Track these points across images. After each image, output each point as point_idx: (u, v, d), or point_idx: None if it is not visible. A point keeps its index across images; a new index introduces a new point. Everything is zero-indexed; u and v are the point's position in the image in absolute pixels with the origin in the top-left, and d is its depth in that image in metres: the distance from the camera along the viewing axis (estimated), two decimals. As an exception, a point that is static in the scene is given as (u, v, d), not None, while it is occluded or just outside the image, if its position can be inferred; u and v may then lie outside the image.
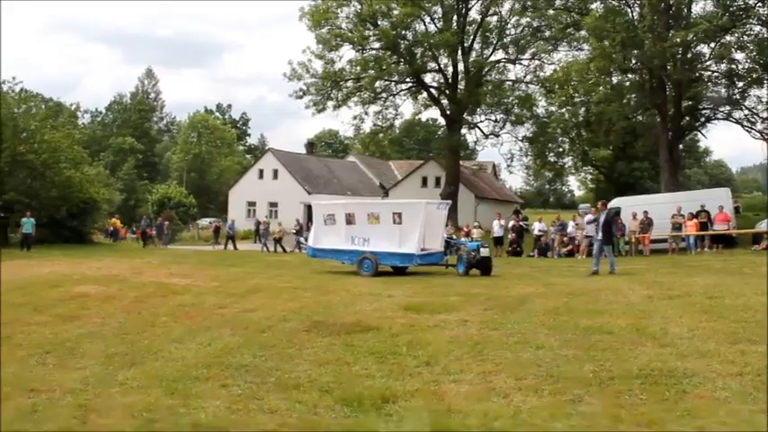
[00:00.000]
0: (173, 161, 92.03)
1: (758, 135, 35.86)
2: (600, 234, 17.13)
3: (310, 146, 67.71)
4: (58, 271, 18.17)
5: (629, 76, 37.31)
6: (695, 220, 24.46)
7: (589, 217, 23.47)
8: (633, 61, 34.60)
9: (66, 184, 33.04)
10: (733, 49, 33.26)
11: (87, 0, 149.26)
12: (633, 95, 37.47)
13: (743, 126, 36.33)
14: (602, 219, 17.29)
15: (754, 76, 33.72)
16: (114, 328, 9.41)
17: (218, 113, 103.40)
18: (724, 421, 4.83)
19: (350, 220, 19.48)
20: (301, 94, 43.90)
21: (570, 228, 26.89)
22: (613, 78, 38.05)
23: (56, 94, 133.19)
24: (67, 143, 34.17)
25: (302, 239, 23.78)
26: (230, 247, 35.26)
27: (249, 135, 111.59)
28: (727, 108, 36.34)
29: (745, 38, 33.13)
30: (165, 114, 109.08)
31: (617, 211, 26.80)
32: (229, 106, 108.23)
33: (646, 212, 25.35)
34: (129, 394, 6.00)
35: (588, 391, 5.79)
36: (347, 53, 55.74)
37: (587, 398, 5.58)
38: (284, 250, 32.36)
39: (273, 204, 54.26)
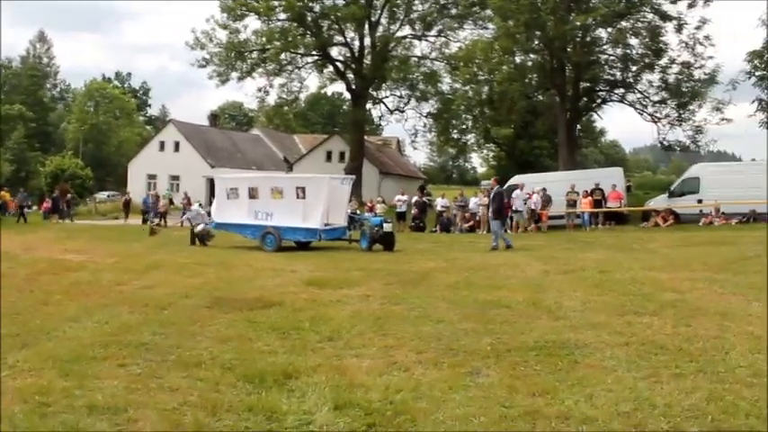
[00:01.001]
0: (68, 131, 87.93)
1: (649, 118, 37.61)
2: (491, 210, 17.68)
3: (214, 118, 66.09)
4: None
5: (532, 56, 38.21)
6: (590, 198, 25.48)
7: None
8: (536, 42, 35.47)
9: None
10: (628, 35, 34.64)
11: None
12: (534, 75, 38.43)
13: (635, 108, 38.01)
14: (492, 195, 17.92)
15: (647, 61, 35.26)
16: (5, 308, 8.96)
17: (116, 82, 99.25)
18: (611, 388, 5.08)
19: (253, 194, 19.29)
20: (204, 63, 42.82)
21: (472, 204, 27.47)
22: (516, 58, 38.89)
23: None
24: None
25: (196, 214, 22.77)
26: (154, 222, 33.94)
27: (150, 106, 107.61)
28: (621, 91, 37.90)
29: (640, 24, 34.61)
30: (59, 81, 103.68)
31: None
32: (129, 75, 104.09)
33: (544, 189, 26.18)
34: (20, 377, 5.73)
35: (486, 363, 5.95)
36: (252, 23, 54.59)
37: (485, 369, 5.75)
38: (165, 224, 31.29)
39: (175, 178, 52.85)
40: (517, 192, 25.31)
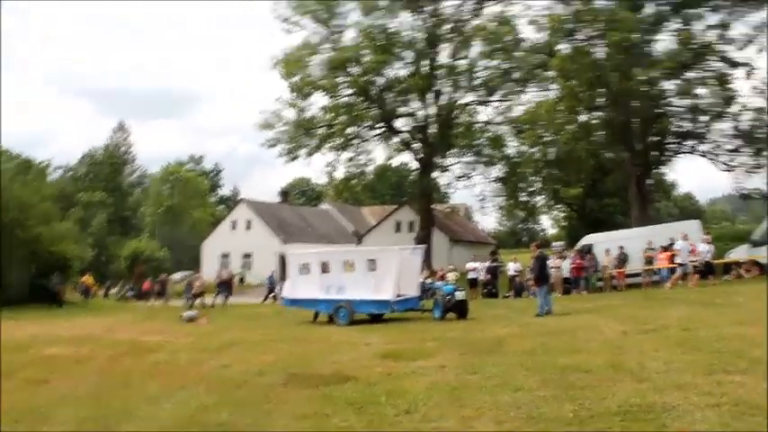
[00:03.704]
0: (145, 215, 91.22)
1: (723, 167, 36.58)
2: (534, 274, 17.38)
3: (284, 194, 67.82)
4: (28, 332, 17.84)
5: (597, 113, 37.93)
6: (667, 253, 24.68)
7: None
8: (600, 99, 35.26)
9: (34, 241, 32.33)
10: (695, 85, 34.09)
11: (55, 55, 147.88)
12: (601, 133, 38.05)
13: (708, 159, 37.06)
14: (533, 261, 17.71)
15: (717, 110, 34.52)
16: (87, 390, 9.21)
17: (190, 165, 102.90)
18: (704, 454, 4.83)
19: (325, 268, 19.46)
20: (274, 143, 44.04)
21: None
22: (581, 117, 38.65)
23: (27, 149, 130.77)
24: (37, 199, 33.73)
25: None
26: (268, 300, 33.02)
27: (222, 186, 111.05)
28: (692, 142, 37.07)
29: (706, 74, 34.01)
30: (136, 167, 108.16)
31: (588, 248, 27.06)
32: (201, 157, 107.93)
33: (621, 248, 25.55)
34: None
35: (569, 430, 5.75)
36: (319, 100, 56.14)
37: (568, 438, 5.55)
38: (204, 305, 29.06)
39: (247, 255, 53.93)
40: (680, 243, 23.63)
